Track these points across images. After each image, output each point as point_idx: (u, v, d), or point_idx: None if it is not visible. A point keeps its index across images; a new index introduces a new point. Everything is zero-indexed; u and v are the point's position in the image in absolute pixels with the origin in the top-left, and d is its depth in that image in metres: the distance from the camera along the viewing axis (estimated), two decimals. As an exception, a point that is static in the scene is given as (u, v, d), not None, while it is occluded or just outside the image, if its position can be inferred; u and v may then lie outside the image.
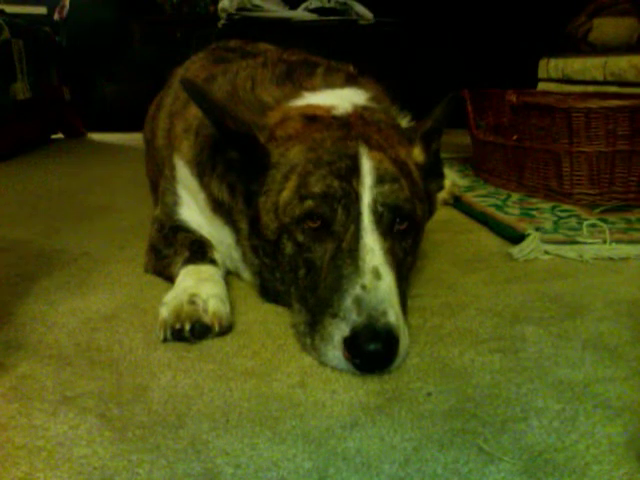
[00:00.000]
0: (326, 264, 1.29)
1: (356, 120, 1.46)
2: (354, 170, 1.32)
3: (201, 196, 1.64)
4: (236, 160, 1.46)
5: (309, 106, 1.50)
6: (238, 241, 1.58)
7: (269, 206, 1.40)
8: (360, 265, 1.23)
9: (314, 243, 1.32)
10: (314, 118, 1.45)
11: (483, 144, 3.14)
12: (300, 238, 1.34)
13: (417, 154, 1.51)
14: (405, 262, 1.39)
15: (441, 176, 1.65)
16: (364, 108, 1.53)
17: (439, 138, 1.59)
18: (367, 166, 1.33)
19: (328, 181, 1.31)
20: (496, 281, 1.73)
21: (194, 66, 2.01)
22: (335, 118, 1.46)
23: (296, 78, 1.64)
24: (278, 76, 1.64)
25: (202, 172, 1.61)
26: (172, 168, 1.75)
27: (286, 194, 1.36)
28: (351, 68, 1.83)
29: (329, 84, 1.64)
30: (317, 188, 1.31)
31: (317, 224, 1.32)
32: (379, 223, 1.30)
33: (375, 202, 1.30)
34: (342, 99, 1.54)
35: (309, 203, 1.31)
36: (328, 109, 1.49)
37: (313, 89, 1.60)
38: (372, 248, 1.26)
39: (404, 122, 2.15)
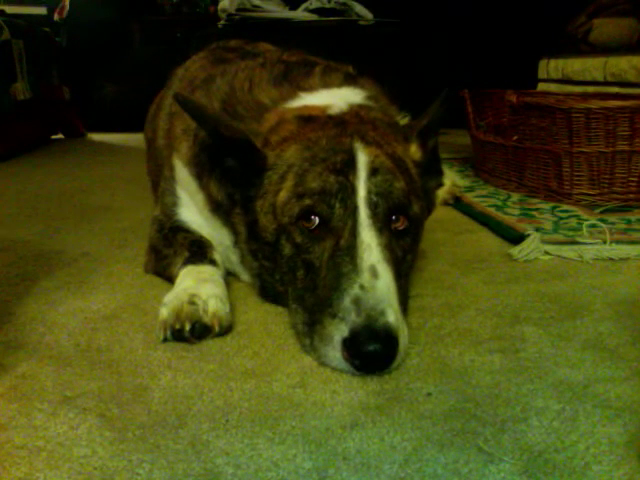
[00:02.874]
0: (325, 263, 1.29)
1: (352, 118, 1.46)
2: (350, 164, 1.33)
3: (199, 197, 1.65)
4: (234, 169, 1.46)
5: (305, 107, 1.51)
6: (236, 243, 1.58)
7: (267, 208, 1.41)
8: (358, 263, 1.23)
9: (312, 243, 1.32)
10: (309, 118, 1.45)
11: (483, 144, 3.14)
12: (298, 239, 1.34)
13: (414, 151, 1.51)
14: (405, 260, 1.39)
15: (440, 173, 1.65)
16: (360, 107, 1.53)
17: (436, 135, 1.59)
18: (362, 160, 1.34)
19: (324, 177, 1.31)
20: (496, 281, 1.73)
21: (194, 66, 2.01)
22: (330, 117, 1.46)
23: (293, 78, 1.64)
24: (275, 77, 1.64)
25: (201, 173, 1.61)
26: (171, 168, 1.75)
27: (283, 194, 1.37)
28: (350, 69, 1.83)
29: (326, 84, 1.64)
30: (314, 184, 1.32)
31: (315, 223, 1.32)
32: (375, 217, 1.30)
33: (370, 194, 1.31)
34: (338, 98, 1.54)
35: (307, 201, 1.31)
36: (323, 109, 1.49)
37: (310, 89, 1.60)
38: (369, 244, 1.26)
39: (403, 122, 2.14)
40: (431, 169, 1.57)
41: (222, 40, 2.28)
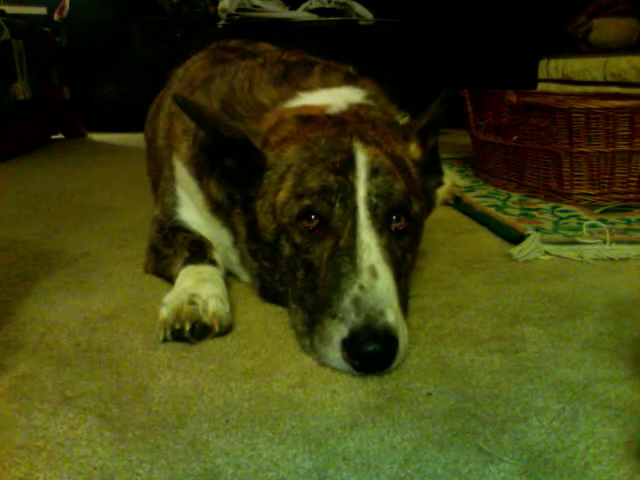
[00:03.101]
0: (325, 263, 1.29)
1: (351, 117, 1.46)
2: (349, 164, 1.33)
3: (199, 197, 1.64)
4: (234, 169, 1.46)
5: (304, 107, 1.51)
6: (235, 243, 1.58)
7: (266, 208, 1.40)
8: (357, 263, 1.23)
9: (312, 243, 1.32)
10: (308, 118, 1.45)
11: (483, 144, 3.14)
12: (298, 239, 1.34)
13: (413, 150, 1.51)
14: (405, 260, 1.39)
15: (440, 173, 1.64)
16: (360, 106, 1.53)
17: (436, 134, 1.59)
18: (362, 160, 1.34)
19: (324, 176, 1.31)
20: (496, 281, 1.73)
21: (194, 66, 2.01)
22: (330, 117, 1.46)
23: (293, 78, 1.64)
24: (275, 77, 1.64)
25: (200, 173, 1.61)
26: (171, 169, 1.75)
27: (283, 194, 1.37)
28: (350, 68, 1.83)
29: (326, 83, 1.64)
30: (314, 184, 1.31)
31: (314, 223, 1.32)
32: (375, 217, 1.30)
33: (370, 195, 1.30)
34: (338, 98, 1.54)
35: (306, 201, 1.31)
36: (322, 108, 1.49)
37: (309, 89, 1.60)
38: (369, 245, 1.26)
39: (403, 122, 2.14)
40: (431, 168, 1.57)
41: (222, 40, 2.28)
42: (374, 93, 1.66)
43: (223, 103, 1.61)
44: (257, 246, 1.46)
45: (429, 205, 1.58)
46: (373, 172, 1.33)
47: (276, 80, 1.63)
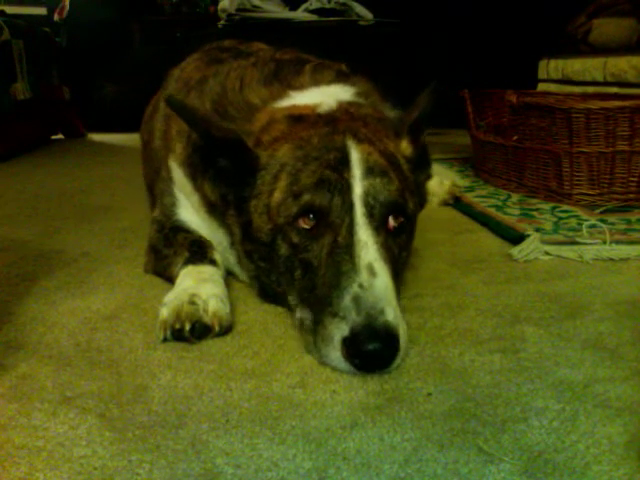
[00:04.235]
0: (324, 261, 1.28)
1: (342, 115, 1.46)
2: (343, 161, 1.33)
3: (195, 198, 1.65)
4: (227, 169, 1.46)
5: (295, 106, 1.51)
6: (232, 244, 1.58)
7: (261, 208, 1.40)
8: (356, 262, 1.23)
9: (310, 241, 1.32)
10: (299, 118, 1.45)
11: (483, 144, 3.14)
12: (295, 239, 1.33)
13: (405, 147, 1.51)
14: (400, 258, 1.39)
15: (428, 165, 1.63)
16: (350, 103, 1.53)
17: (426, 128, 1.58)
18: (356, 157, 1.34)
19: (319, 173, 1.31)
20: (496, 281, 1.73)
21: (189, 67, 2.01)
22: (320, 116, 1.46)
23: (283, 77, 1.63)
24: (266, 76, 1.64)
25: (195, 174, 1.61)
26: (168, 170, 1.75)
27: (278, 194, 1.36)
28: (343, 66, 1.83)
29: (317, 81, 1.63)
30: (310, 180, 1.31)
31: (313, 222, 1.31)
32: (371, 217, 1.30)
33: (367, 195, 1.30)
34: (327, 96, 1.54)
35: (305, 197, 1.31)
36: (313, 107, 1.49)
37: (300, 87, 1.60)
38: (366, 243, 1.26)
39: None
40: (421, 162, 1.57)
41: (216, 40, 2.27)
42: (365, 90, 1.66)
43: (215, 104, 1.61)
44: (252, 247, 1.46)
45: (421, 200, 1.58)
46: (368, 171, 1.33)
47: (267, 79, 1.62)
